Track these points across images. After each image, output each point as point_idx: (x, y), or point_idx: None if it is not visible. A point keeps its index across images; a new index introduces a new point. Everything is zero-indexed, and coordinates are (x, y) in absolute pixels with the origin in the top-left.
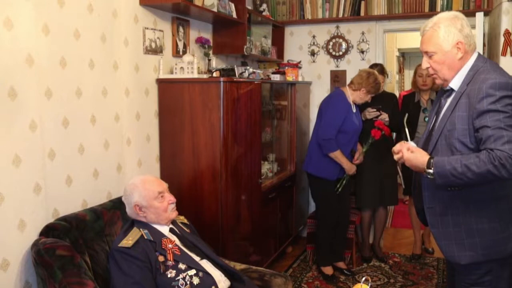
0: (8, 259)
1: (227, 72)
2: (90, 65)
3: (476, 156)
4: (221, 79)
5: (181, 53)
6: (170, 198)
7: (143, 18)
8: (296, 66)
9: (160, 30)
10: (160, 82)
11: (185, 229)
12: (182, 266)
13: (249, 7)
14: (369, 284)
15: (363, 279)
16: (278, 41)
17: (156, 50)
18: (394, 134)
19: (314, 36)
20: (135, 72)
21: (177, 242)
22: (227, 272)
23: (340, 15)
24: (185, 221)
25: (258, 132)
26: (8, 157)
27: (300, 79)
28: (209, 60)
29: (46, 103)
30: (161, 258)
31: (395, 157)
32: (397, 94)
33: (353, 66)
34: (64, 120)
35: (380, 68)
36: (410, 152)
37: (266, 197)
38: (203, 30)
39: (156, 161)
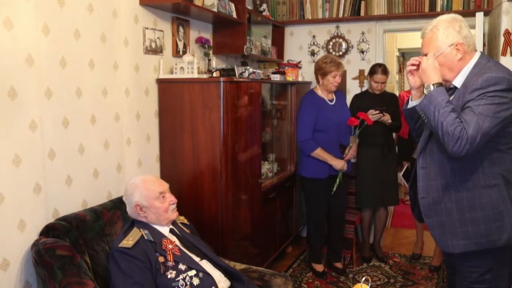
0: (8, 259)
1: (227, 72)
2: (90, 65)
3: (456, 116)
4: (221, 79)
5: (181, 53)
6: (171, 198)
7: (143, 18)
8: (296, 66)
9: (160, 30)
10: (160, 82)
11: (185, 229)
12: (182, 266)
13: (249, 7)
14: (369, 284)
15: (363, 279)
16: (278, 41)
17: (156, 50)
18: (394, 134)
19: (314, 36)
20: (135, 72)
21: (177, 242)
22: (227, 272)
23: (340, 15)
24: (185, 221)
25: (258, 132)
26: (8, 157)
27: (300, 79)
28: (209, 60)
29: (46, 103)
30: (161, 259)
31: (408, 67)
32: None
33: (353, 66)
34: (64, 120)
35: (383, 68)
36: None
37: (266, 197)
38: (203, 30)
39: (156, 161)
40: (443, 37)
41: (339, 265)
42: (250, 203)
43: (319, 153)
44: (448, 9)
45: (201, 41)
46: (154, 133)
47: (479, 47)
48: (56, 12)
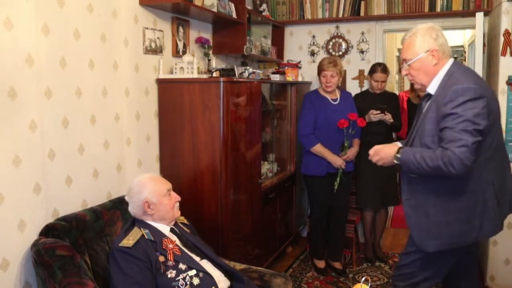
0: (8, 259)
1: (227, 72)
2: (90, 65)
3: (433, 151)
4: (221, 79)
5: (181, 53)
6: (176, 196)
7: (143, 18)
8: (296, 66)
9: (160, 30)
10: (160, 82)
11: (185, 229)
12: (182, 266)
13: (249, 7)
14: (369, 284)
15: (363, 279)
16: (278, 41)
17: (156, 50)
18: (394, 134)
19: (314, 36)
20: (135, 72)
21: (178, 242)
22: (227, 272)
23: (340, 15)
24: (185, 221)
25: (258, 132)
26: (8, 157)
27: (300, 79)
28: (209, 60)
29: (46, 103)
30: (161, 258)
31: (370, 156)
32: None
33: (353, 66)
34: (64, 120)
35: (383, 67)
36: (378, 148)
37: (266, 197)
38: (203, 30)
39: (156, 161)
40: (420, 43)
41: (338, 265)
42: (250, 203)
43: (318, 149)
44: (448, 9)
45: (201, 41)
46: (154, 133)
47: (479, 47)
48: (56, 12)
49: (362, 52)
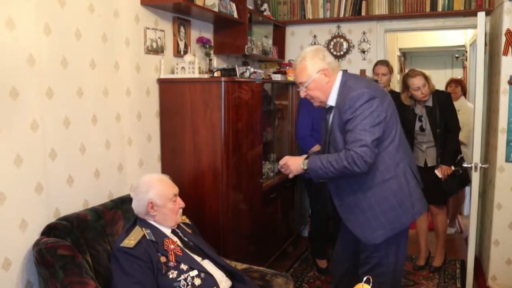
0: (10, 259)
1: (228, 72)
2: (91, 65)
3: (338, 154)
4: (222, 79)
5: (182, 53)
6: (181, 202)
7: (144, 18)
8: None
9: (161, 30)
10: (161, 82)
11: (187, 229)
12: (184, 267)
13: (250, 7)
14: (371, 284)
15: (365, 278)
16: (279, 41)
17: (157, 50)
18: None
19: (315, 36)
20: (136, 72)
21: (179, 243)
22: (228, 272)
23: (341, 15)
24: (187, 221)
25: (259, 132)
26: (10, 157)
27: None
28: (210, 60)
29: (47, 103)
30: (163, 259)
31: (280, 166)
32: None
33: (354, 66)
34: (65, 120)
35: (383, 60)
36: (286, 159)
37: (267, 197)
38: (204, 30)
39: (157, 160)
40: (311, 66)
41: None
42: (251, 203)
43: (317, 150)
44: (449, 9)
45: (202, 41)
46: (155, 133)
47: (481, 47)
48: (57, 12)
49: (363, 52)
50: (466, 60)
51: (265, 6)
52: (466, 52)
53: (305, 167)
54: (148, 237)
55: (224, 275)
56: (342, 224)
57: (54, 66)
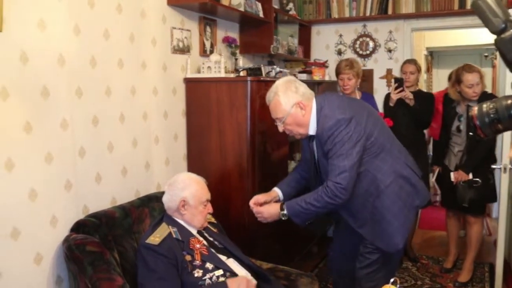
0: (42, 254)
1: (254, 72)
2: (119, 64)
3: (316, 192)
4: (248, 78)
5: (208, 52)
6: (210, 208)
7: (170, 18)
8: (323, 65)
9: (187, 30)
10: (188, 81)
11: (213, 228)
12: (209, 266)
13: (276, 6)
14: (397, 286)
15: (392, 280)
16: (305, 40)
17: (184, 50)
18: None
19: (341, 35)
20: (163, 72)
21: (205, 242)
22: (254, 272)
23: (367, 14)
24: (213, 220)
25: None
26: (41, 155)
27: (327, 78)
28: (236, 59)
29: (76, 102)
30: (188, 258)
31: (257, 217)
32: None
33: (380, 65)
34: (94, 118)
35: (410, 59)
36: (259, 207)
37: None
38: (230, 29)
39: (183, 159)
40: (285, 101)
41: None
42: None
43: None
44: None
45: (228, 41)
46: (181, 132)
47: None
48: (86, 13)
49: (389, 51)
50: (496, 59)
51: (291, 5)
52: (496, 50)
53: (285, 218)
54: (174, 236)
55: (249, 275)
56: (340, 226)
57: (84, 66)
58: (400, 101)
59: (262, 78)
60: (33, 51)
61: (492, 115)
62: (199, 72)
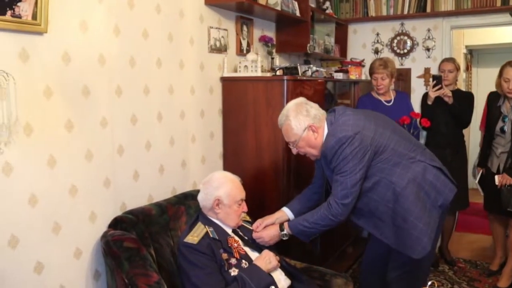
0: (81, 248)
1: (290, 71)
2: (157, 63)
3: (319, 209)
4: (285, 77)
5: (245, 51)
6: (245, 207)
7: (208, 17)
8: (360, 64)
9: (224, 29)
10: (224, 80)
11: (248, 226)
12: (244, 264)
13: (312, 5)
14: None
15: (429, 283)
16: (341, 39)
17: (221, 49)
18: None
19: (378, 34)
20: (200, 71)
21: (240, 242)
22: (288, 271)
23: (405, 12)
24: (247, 218)
25: None
26: (82, 152)
27: (363, 77)
28: (272, 58)
29: (116, 100)
30: (224, 256)
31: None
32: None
33: (418, 64)
34: (133, 117)
35: (449, 58)
36: (261, 231)
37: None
38: (267, 28)
39: (219, 158)
40: (296, 125)
41: None
42: None
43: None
44: None
45: (264, 40)
46: (217, 130)
47: None
48: (126, 13)
49: (428, 49)
50: None
51: (327, 4)
52: None
53: (285, 238)
54: (211, 235)
55: (283, 274)
56: (371, 239)
57: (123, 65)
58: (439, 99)
59: (298, 77)
60: (75, 51)
61: None
62: (235, 71)
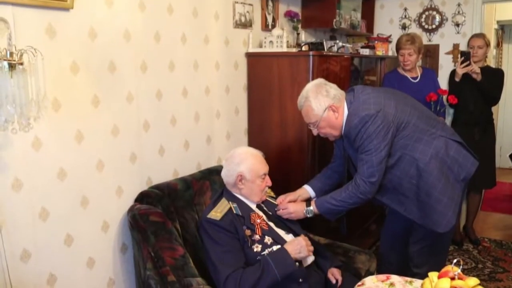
0: (108, 222)
1: (316, 46)
2: (182, 39)
3: (346, 188)
4: (311, 53)
5: (270, 27)
6: (268, 181)
7: None
8: (386, 40)
9: (249, 4)
10: (249, 56)
11: (272, 201)
12: (268, 241)
13: None
14: (460, 267)
15: (455, 261)
16: (368, 14)
17: (246, 24)
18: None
19: (405, 9)
20: (225, 46)
21: (264, 217)
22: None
23: None
24: (272, 194)
25: None
26: (108, 128)
27: (390, 53)
28: (298, 34)
29: (141, 76)
30: (248, 232)
31: (280, 212)
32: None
33: (446, 40)
34: (158, 92)
35: (479, 34)
36: (287, 205)
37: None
38: (292, 3)
39: (244, 134)
40: (317, 106)
41: None
42: None
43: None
44: None
45: (290, 15)
46: (242, 106)
47: None
48: None
49: (457, 25)
50: None
51: None
52: None
53: (310, 215)
54: (234, 211)
55: None
56: (388, 217)
57: (148, 41)
58: (467, 76)
59: (324, 53)
60: (100, 27)
61: None
62: (260, 46)
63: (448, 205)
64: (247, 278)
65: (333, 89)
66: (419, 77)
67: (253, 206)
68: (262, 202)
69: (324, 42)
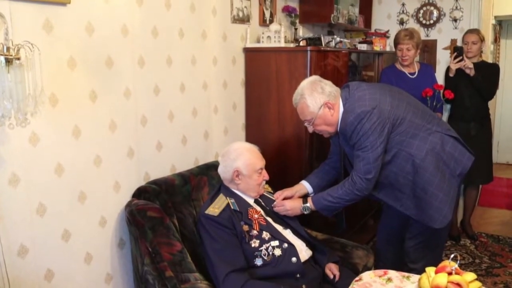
0: (106, 217)
1: (314, 41)
2: (180, 34)
3: (343, 185)
4: (308, 48)
5: (268, 22)
6: (265, 175)
7: None
8: (384, 35)
9: None
10: (247, 51)
11: (270, 197)
12: (265, 236)
13: None
14: (458, 262)
15: (452, 256)
16: (366, 9)
17: (244, 19)
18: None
19: (403, 4)
20: (223, 41)
21: (262, 212)
22: (309, 242)
23: None
24: (270, 189)
25: None
26: (105, 123)
27: (388, 49)
28: (296, 29)
29: (139, 71)
30: (245, 228)
31: (276, 209)
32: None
33: (444, 35)
34: (155, 87)
35: (473, 29)
36: (283, 202)
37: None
38: None
39: (242, 129)
40: (312, 103)
41: None
42: None
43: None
44: None
45: (288, 10)
46: (240, 101)
47: None
48: None
49: (455, 20)
50: None
51: None
52: None
53: (307, 212)
54: (232, 207)
55: (304, 245)
56: (383, 213)
57: (146, 36)
58: (462, 71)
59: (322, 48)
60: (98, 22)
61: None
62: (258, 41)
63: (444, 201)
64: None
65: (328, 86)
66: (416, 73)
67: (251, 201)
68: (260, 197)
69: (322, 38)
